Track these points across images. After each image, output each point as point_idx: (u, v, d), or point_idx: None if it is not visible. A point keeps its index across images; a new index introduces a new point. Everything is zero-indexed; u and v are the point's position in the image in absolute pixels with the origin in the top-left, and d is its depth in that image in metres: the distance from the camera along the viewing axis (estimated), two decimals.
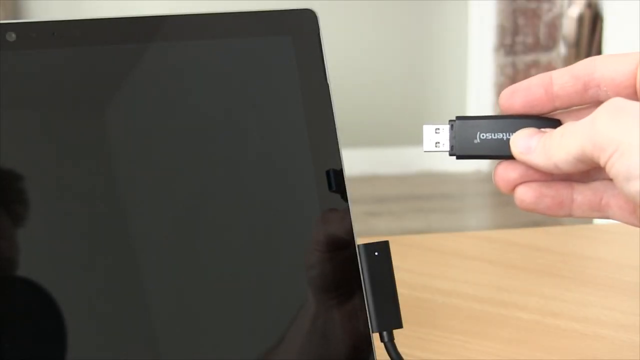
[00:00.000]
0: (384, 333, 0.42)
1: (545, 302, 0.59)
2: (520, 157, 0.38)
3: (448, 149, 0.41)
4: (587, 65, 0.38)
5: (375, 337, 0.42)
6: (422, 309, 0.58)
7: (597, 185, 0.39)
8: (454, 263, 0.66)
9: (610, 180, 0.38)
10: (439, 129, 0.41)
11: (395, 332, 0.43)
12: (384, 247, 0.43)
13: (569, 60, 2.74)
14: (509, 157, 0.39)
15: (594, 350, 0.52)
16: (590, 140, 0.34)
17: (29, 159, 0.39)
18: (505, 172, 0.39)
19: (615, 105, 0.34)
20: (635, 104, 0.34)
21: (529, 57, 2.96)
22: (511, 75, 2.98)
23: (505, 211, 2.59)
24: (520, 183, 0.39)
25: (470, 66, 3.08)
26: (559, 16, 2.85)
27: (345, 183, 0.43)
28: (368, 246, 0.43)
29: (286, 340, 0.41)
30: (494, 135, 0.40)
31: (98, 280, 0.39)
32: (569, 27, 2.75)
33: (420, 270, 0.64)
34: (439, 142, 0.41)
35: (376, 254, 0.43)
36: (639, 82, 0.37)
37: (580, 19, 2.69)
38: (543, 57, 2.92)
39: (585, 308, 0.58)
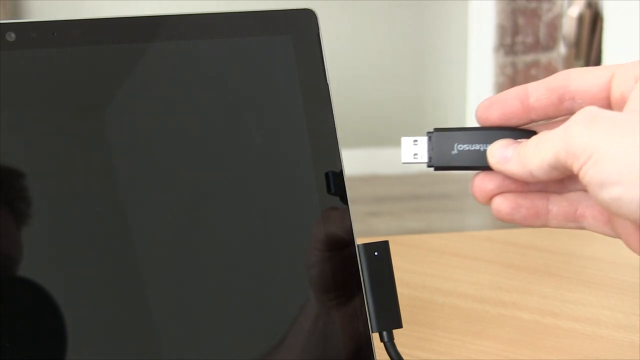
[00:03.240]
0: (384, 333, 0.43)
1: (545, 302, 0.59)
2: (497, 166, 0.38)
3: (426, 160, 0.41)
4: (563, 78, 0.39)
5: (375, 337, 0.42)
6: (422, 309, 0.58)
7: (572, 196, 0.40)
8: (454, 263, 0.66)
9: (585, 191, 0.39)
10: (417, 140, 0.41)
11: (395, 332, 0.43)
12: (383, 247, 0.43)
13: (569, 60, 2.74)
14: (486, 168, 0.40)
15: (594, 350, 0.52)
16: (564, 147, 0.35)
17: (28, 159, 0.39)
18: (482, 183, 0.40)
19: (589, 113, 0.34)
20: (608, 112, 0.34)
21: (529, 57, 2.96)
22: (511, 75, 2.98)
23: None
24: (497, 194, 0.40)
25: (470, 66, 3.08)
26: (559, 16, 2.85)
27: (345, 183, 0.43)
28: (368, 246, 0.43)
29: (287, 340, 0.41)
30: (472, 147, 0.40)
31: (99, 280, 0.39)
32: (569, 27, 2.75)
33: (420, 270, 0.64)
34: (417, 154, 0.41)
35: (376, 254, 0.43)
36: (613, 94, 0.37)
37: (580, 19, 2.69)
38: (543, 57, 2.92)
39: (585, 308, 0.58)
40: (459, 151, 0.40)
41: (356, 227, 0.43)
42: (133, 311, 0.39)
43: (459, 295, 0.60)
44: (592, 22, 2.65)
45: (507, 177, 0.39)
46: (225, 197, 0.42)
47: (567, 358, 0.51)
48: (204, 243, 0.41)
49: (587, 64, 2.67)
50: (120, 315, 0.39)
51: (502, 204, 0.40)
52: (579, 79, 0.38)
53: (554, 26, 2.88)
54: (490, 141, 0.39)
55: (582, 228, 0.40)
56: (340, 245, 0.42)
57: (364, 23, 3.00)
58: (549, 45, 2.90)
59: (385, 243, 0.43)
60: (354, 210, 0.43)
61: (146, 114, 0.41)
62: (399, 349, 0.43)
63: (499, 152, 0.38)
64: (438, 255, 0.68)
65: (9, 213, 0.38)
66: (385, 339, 0.43)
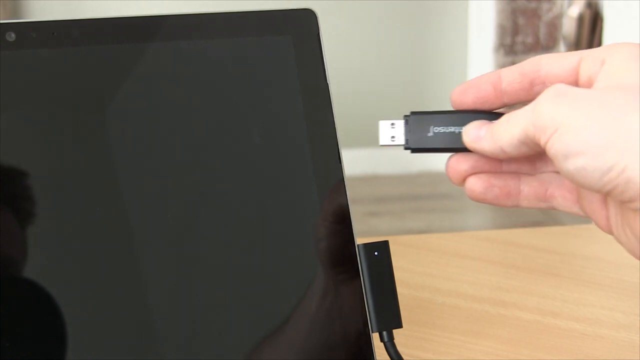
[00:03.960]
0: (384, 333, 0.43)
1: (545, 302, 0.59)
2: (471, 145, 0.40)
3: (403, 142, 0.42)
4: (534, 64, 0.40)
5: (375, 337, 0.42)
6: (422, 309, 0.58)
7: (543, 176, 0.41)
8: (454, 263, 0.66)
9: (556, 172, 0.40)
10: (394, 123, 0.42)
11: (395, 332, 0.43)
12: (383, 247, 0.43)
13: None
14: (461, 149, 0.41)
15: (594, 350, 0.52)
16: (532, 122, 0.36)
17: (28, 159, 0.39)
18: (457, 164, 0.41)
19: (557, 90, 0.36)
20: (575, 88, 0.36)
21: (529, 57, 2.96)
22: None
23: (505, 211, 2.59)
24: (471, 174, 0.41)
25: (470, 66, 3.08)
26: (559, 16, 2.85)
27: (345, 183, 0.43)
28: (368, 246, 0.43)
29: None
30: (447, 129, 0.41)
31: (99, 280, 0.39)
32: (569, 27, 2.75)
33: (420, 270, 0.64)
34: (394, 137, 0.42)
35: (376, 253, 0.43)
36: (581, 78, 0.39)
37: (580, 19, 2.69)
38: None
39: (585, 308, 0.58)
40: (434, 133, 0.41)
41: (356, 227, 0.43)
42: (134, 310, 0.39)
43: (459, 295, 0.60)
44: (592, 22, 2.65)
45: (480, 158, 0.41)
46: (224, 197, 0.42)
47: (567, 358, 0.51)
48: (204, 241, 0.41)
49: None
50: (121, 315, 0.39)
51: (476, 184, 0.41)
52: (549, 64, 0.40)
53: (554, 26, 2.88)
54: (464, 123, 0.41)
55: (552, 208, 0.41)
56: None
57: (364, 23, 3.00)
58: (549, 45, 2.90)
59: (385, 243, 0.43)
60: (354, 210, 0.43)
61: (146, 113, 0.41)
62: (399, 349, 0.43)
63: (473, 131, 0.40)
64: (438, 255, 0.67)
65: (9, 213, 0.38)
66: (385, 339, 0.43)
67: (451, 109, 0.42)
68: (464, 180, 0.41)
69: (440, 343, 0.53)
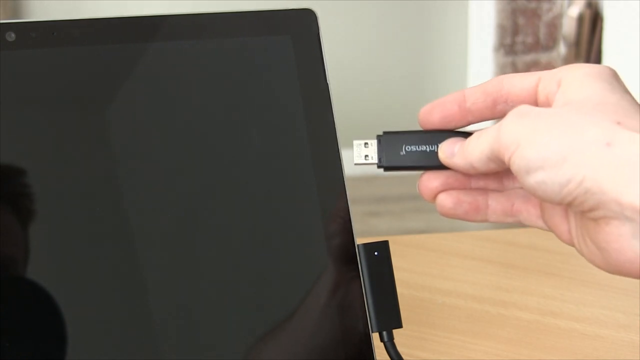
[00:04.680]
0: (384, 333, 0.42)
1: (545, 302, 0.59)
2: (445, 160, 0.42)
3: (376, 161, 0.44)
4: (496, 83, 0.42)
5: (375, 337, 0.42)
6: (422, 309, 0.58)
7: (510, 192, 0.43)
8: (454, 263, 0.66)
9: (522, 188, 0.42)
10: (367, 143, 0.44)
11: (395, 332, 0.43)
12: (383, 247, 0.43)
13: (569, 60, 2.74)
14: (432, 167, 0.43)
15: (594, 350, 0.52)
16: (497, 140, 0.38)
17: (28, 159, 0.39)
18: (428, 181, 0.43)
19: (520, 111, 0.38)
20: (537, 108, 0.38)
21: (529, 57, 2.96)
22: None
23: None
24: (441, 191, 0.43)
25: (470, 66, 3.08)
26: (559, 16, 2.85)
27: (345, 183, 0.43)
28: (368, 246, 0.43)
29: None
30: (418, 148, 0.43)
31: (99, 280, 0.39)
32: (569, 26, 2.75)
33: (420, 270, 0.64)
34: (367, 155, 0.44)
35: (376, 253, 0.43)
36: (540, 97, 0.41)
37: (580, 19, 2.69)
38: (543, 57, 2.92)
39: (585, 308, 0.58)
40: (406, 152, 0.43)
41: (356, 227, 0.43)
42: (134, 310, 0.39)
43: (459, 295, 0.60)
44: (592, 22, 2.65)
45: (450, 175, 0.43)
46: (223, 197, 0.42)
47: (567, 358, 0.51)
48: (203, 241, 0.41)
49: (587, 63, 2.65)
50: (122, 315, 0.39)
51: (446, 200, 0.43)
52: (511, 84, 0.42)
53: (554, 26, 2.88)
54: (435, 142, 0.43)
55: (519, 222, 0.43)
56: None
57: (364, 23, 3.00)
58: (549, 45, 2.90)
59: (385, 243, 0.43)
60: (354, 210, 0.43)
61: (146, 113, 0.41)
62: (399, 349, 0.43)
63: (448, 148, 0.42)
64: (438, 255, 0.67)
65: (9, 213, 0.38)
66: (385, 339, 0.43)
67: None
68: (435, 196, 0.43)
69: (440, 343, 0.53)
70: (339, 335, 0.42)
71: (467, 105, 0.42)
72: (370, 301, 0.42)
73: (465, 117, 0.43)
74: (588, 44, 2.65)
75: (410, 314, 0.56)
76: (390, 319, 0.43)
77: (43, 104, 0.40)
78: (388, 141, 0.43)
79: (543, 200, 0.40)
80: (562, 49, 2.84)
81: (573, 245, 0.40)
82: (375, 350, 0.42)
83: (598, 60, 2.55)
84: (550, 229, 0.42)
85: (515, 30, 2.97)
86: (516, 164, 0.37)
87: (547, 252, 0.67)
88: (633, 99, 0.38)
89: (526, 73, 0.42)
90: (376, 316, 0.42)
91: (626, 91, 0.38)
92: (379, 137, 0.44)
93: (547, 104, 0.40)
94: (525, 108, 0.38)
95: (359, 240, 0.43)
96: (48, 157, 0.39)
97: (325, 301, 0.42)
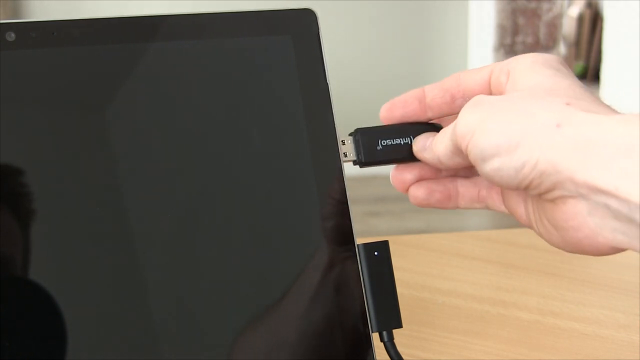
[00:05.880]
0: (384, 333, 0.43)
1: (545, 302, 0.59)
2: (418, 154, 0.43)
3: (355, 158, 0.44)
4: (453, 79, 0.43)
5: (375, 337, 0.42)
6: (422, 309, 0.58)
7: (476, 179, 0.45)
8: (454, 263, 0.66)
9: None
10: (344, 140, 0.44)
11: (395, 332, 0.43)
12: (383, 247, 0.43)
13: (569, 60, 2.74)
14: (407, 160, 0.44)
15: (594, 350, 0.52)
16: (455, 132, 0.39)
17: (28, 159, 0.39)
18: (401, 174, 0.45)
19: (474, 100, 0.39)
20: (491, 97, 0.39)
21: None
22: None
23: None
24: (414, 183, 0.45)
25: (470, 66, 3.08)
26: (559, 16, 2.85)
27: (345, 183, 0.43)
28: (368, 246, 0.43)
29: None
30: (394, 141, 0.44)
31: (99, 279, 0.39)
32: (569, 26, 2.76)
33: (420, 270, 0.64)
34: (346, 153, 0.44)
35: (376, 253, 0.43)
36: (492, 89, 0.42)
37: (580, 19, 2.69)
38: None
39: (585, 308, 0.58)
40: (383, 146, 0.44)
41: (356, 227, 0.43)
42: (134, 310, 0.39)
43: (459, 295, 0.60)
44: (592, 22, 2.66)
45: (422, 167, 0.44)
46: (224, 197, 0.42)
47: (567, 358, 0.51)
48: (203, 240, 0.41)
49: (587, 63, 2.67)
50: (122, 314, 0.39)
51: (418, 191, 0.45)
52: (466, 79, 0.43)
53: (554, 26, 2.88)
54: (409, 134, 0.44)
55: (487, 207, 0.45)
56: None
57: (364, 23, 3.00)
58: (549, 45, 2.90)
59: (385, 243, 0.43)
60: (354, 210, 0.43)
61: (146, 113, 0.41)
62: (399, 349, 0.43)
63: (421, 142, 0.43)
64: (438, 255, 0.68)
65: (9, 213, 0.38)
66: (385, 339, 0.43)
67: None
68: (407, 188, 0.45)
69: (440, 343, 0.53)
70: (339, 335, 0.42)
71: (427, 101, 0.44)
72: (370, 301, 0.42)
73: (426, 113, 0.44)
74: (588, 44, 2.65)
75: (410, 314, 0.56)
76: (390, 318, 0.43)
77: (43, 104, 0.40)
78: (364, 137, 0.44)
79: (501, 187, 0.40)
80: (562, 49, 2.84)
81: (532, 228, 0.41)
82: (375, 350, 0.42)
83: (598, 60, 2.55)
84: (510, 212, 0.43)
85: (515, 30, 2.97)
86: (472, 153, 0.38)
87: (547, 252, 0.67)
88: (582, 84, 0.39)
89: (480, 67, 0.43)
90: (376, 316, 0.42)
91: (575, 77, 0.39)
92: (353, 134, 0.44)
93: (500, 94, 0.40)
94: (479, 98, 0.39)
95: (359, 240, 0.43)
96: (48, 157, 0.39)
97: (325, 301, 0.42)
